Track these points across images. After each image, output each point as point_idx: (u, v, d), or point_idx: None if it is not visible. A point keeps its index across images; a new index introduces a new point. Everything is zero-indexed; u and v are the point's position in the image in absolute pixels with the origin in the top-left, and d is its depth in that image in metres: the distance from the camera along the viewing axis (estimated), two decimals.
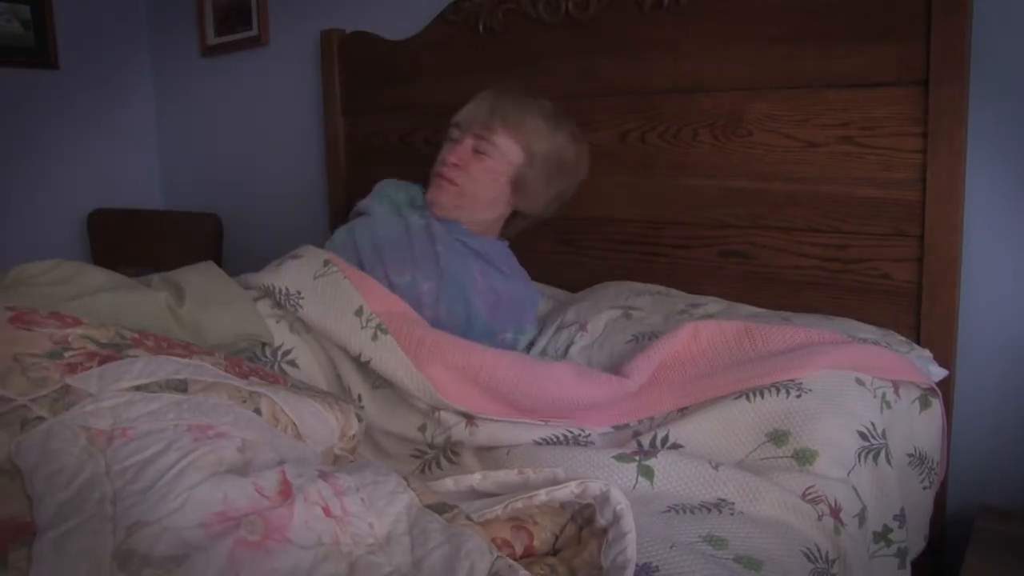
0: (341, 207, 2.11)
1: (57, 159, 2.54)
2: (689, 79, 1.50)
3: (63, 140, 2.54)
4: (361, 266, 1.31)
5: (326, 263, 1.21)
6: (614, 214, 1.62)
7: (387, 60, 1.96)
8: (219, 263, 2.24)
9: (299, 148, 2.32)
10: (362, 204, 1.50)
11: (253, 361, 1.13)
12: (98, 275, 1.09)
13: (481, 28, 1.77)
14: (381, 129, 2.01)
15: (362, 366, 1.13)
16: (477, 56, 1.79)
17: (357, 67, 2.03)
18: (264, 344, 1.16)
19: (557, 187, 1.43)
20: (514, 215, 1.46)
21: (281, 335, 1.18)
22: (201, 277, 1.19)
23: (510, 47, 1.74)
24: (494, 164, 1.35)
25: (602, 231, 1.65)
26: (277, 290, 1.18)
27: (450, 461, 1.06)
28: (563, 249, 1.70)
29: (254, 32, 2.36)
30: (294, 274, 1.21)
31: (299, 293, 1.17)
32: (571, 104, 1.65)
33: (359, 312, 1.14)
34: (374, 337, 1.11)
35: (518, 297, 1.34)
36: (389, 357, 1.09)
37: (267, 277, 1.21)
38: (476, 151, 1.35)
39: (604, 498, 0.75)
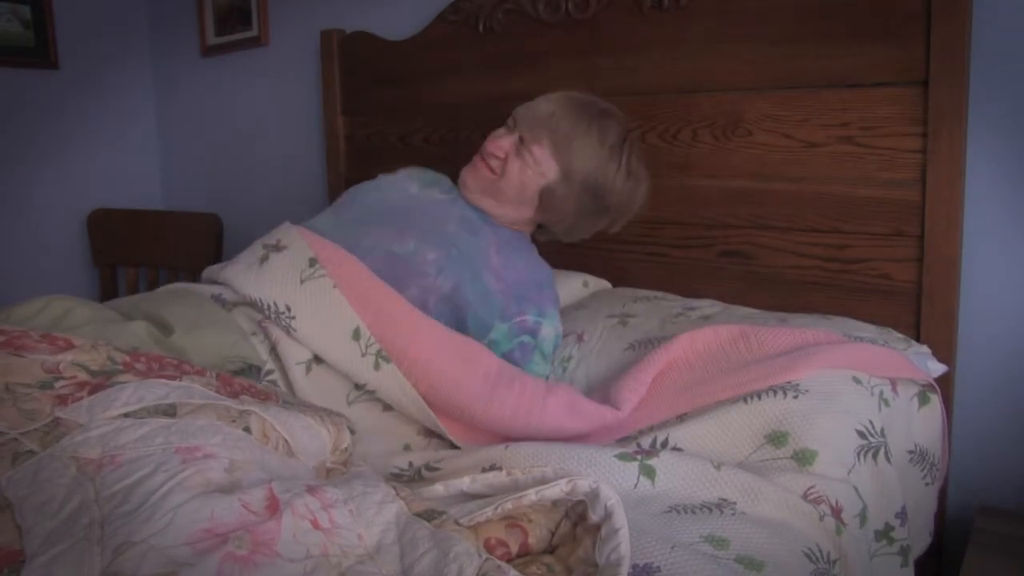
0: None
1: (57, 159, 2.53)
2: (689, 79, 1.50)
3: (63, 140, 2.54)
4: (360, 224, 1.32)
5: (312, 262, 1.18)
6: None
7: (387, 60, 1.96)
8: (219, 263, 2.25)
9: (299, 148, 2.32)
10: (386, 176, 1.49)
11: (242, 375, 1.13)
12: (85, 312, 1.09)
13: (481, 28, 1.77)
14: (381, 129, 2.01)
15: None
16: (477, 56, 1.79)
17: (357, 67, 2.03)
18: (253, 366, 1.15)
19: (593, 216, 1.37)
20: (541, 226, 1.42)
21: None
22: (181, 304, 1.17)
23: (510, 47, 1.73)
24: (527, 169, 1.31)
25: (602, 231, 1.64)
26: (265, 305, 1.16)
27: (432, 470, 1.05)
28: (563, 249, 1.70)
29: (254, 32, 2.35)
30: (279, 279, 1.17)
31: (289, 310, 1.15)
32: None
33: (356, 335, 1.13)
34: (376, 366, 1.12)
35: (537, 278, 1.31)
36: (393, 386, 1.12)
37: (251, 287, 1.17)
38: (518, 149, 1.32)
39: (594, 494, 0.75)
